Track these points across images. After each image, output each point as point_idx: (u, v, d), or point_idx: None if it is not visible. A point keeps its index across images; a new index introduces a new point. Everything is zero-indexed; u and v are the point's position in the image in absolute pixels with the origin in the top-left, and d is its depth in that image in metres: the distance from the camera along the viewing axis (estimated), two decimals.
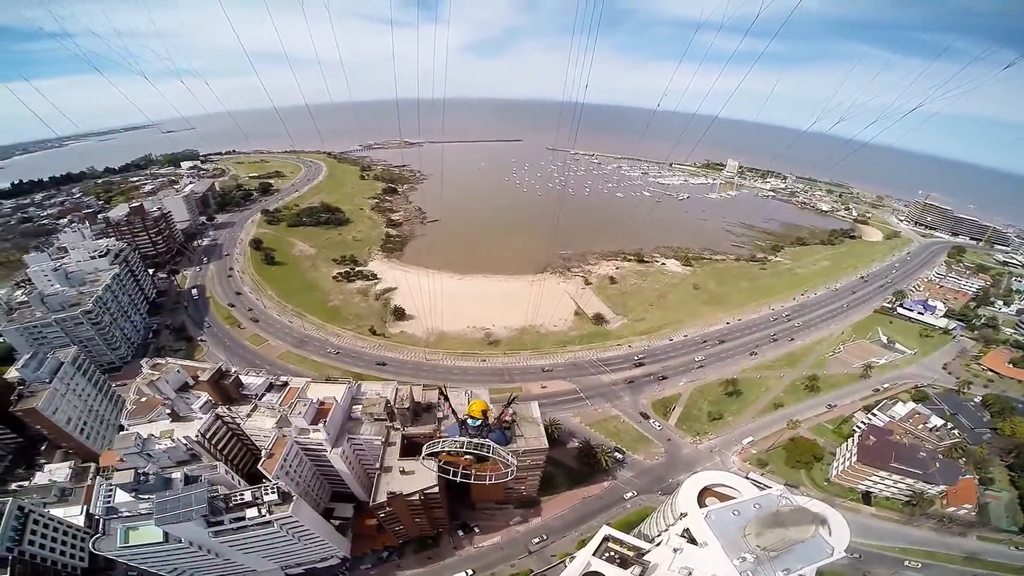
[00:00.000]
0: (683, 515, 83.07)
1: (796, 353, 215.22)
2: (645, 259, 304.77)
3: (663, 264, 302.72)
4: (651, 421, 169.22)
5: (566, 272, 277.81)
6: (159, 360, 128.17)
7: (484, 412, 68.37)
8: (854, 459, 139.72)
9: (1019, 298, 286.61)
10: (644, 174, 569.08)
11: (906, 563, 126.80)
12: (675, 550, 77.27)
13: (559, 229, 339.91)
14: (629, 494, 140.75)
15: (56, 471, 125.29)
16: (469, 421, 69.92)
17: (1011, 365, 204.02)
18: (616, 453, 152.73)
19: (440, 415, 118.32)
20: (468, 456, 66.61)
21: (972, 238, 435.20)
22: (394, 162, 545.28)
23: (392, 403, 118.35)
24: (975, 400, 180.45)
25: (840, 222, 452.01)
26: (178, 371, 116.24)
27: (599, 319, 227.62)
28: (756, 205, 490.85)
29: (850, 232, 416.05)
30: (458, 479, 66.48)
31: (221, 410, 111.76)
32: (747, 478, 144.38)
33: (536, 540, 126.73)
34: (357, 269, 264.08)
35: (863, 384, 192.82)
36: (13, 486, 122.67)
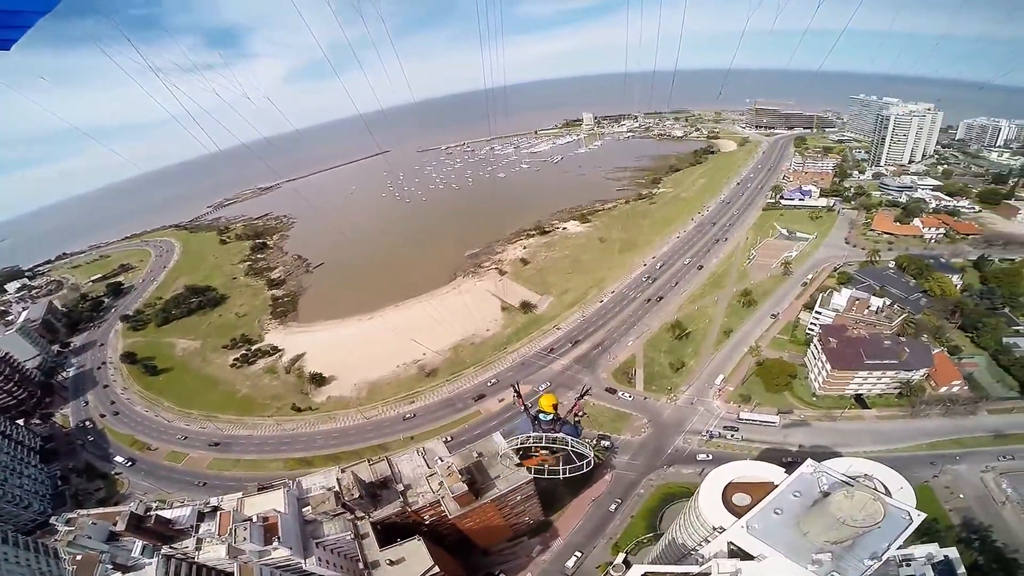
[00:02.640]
0: (718, 529, 66.58)
1: (717, 272, 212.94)
2: (547, 229, 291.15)
3: (565, 229, 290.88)
4: (619, 394, 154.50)
5: (478, 270, 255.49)
6: (70, 515, 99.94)
7: (555, 406, 61.15)
8: (828, 367, 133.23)
9: (868, 164, 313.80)
10: (516, 148, 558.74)
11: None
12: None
13: (456, 227, 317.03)
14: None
15: None
16: (541, 416, 61.75)
17: (898, 223, 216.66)
18: (603, 441, 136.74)
19: (400, 487, 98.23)
20: (544, 451, 59.14)
21: (804, 127, 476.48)
22: (254, 214, 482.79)
23: (341, 495, 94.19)
24: (890, 266, 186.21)
25: (697, 142, 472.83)
26: (93, 523, 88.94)
27: (527, 306, 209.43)
28: (622, 147, 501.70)
29: (709, 148, 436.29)
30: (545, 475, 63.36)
31: (166, 549, 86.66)
32: (740, 419, 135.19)
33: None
34: (254, 348, 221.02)
35: (790, 282, 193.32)
36: None
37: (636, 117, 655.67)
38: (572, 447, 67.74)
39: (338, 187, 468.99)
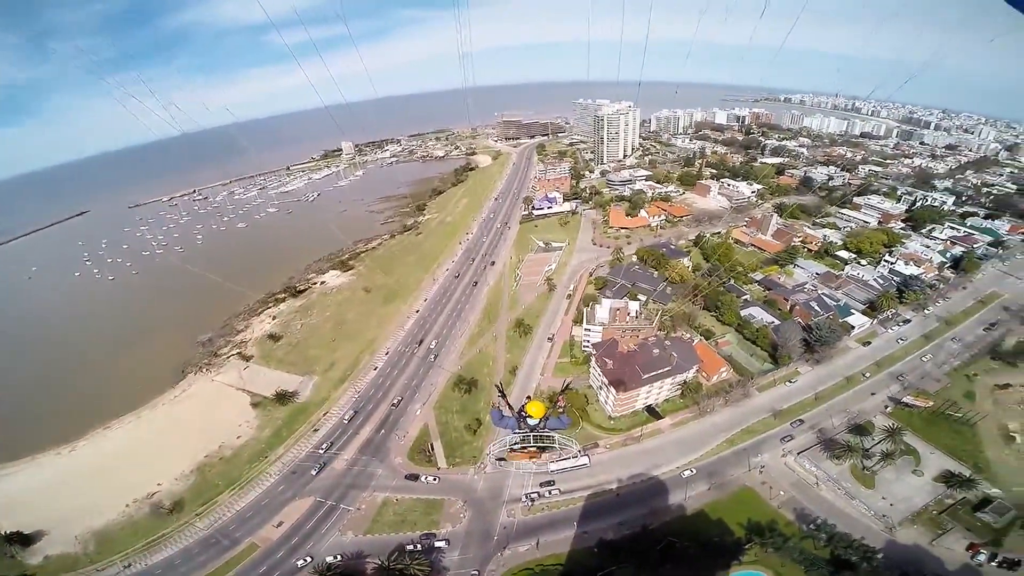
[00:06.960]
0: None
1: (489, 303, 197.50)
2: (301, 288, 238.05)
3: (323, 283, 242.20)
4: (423, 479, 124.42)
5: (215, 359, 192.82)
6: None
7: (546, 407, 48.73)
8: (613, 392, 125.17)
9: (594, 163, 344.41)
10: (263, 190, 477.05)
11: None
12: None
13: (182, 306, 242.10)
14: None
15: None
16: (530, 420, 48.62)
17: (629, 217, 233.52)
18: (426, 541, 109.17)
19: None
20: (532, 449, 45.84)
21: (542, 135, 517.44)
22: None
23: None
24: (634, 261, 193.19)
25: (458, 160, 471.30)
26: None
27: (284, 397, 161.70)
28: (386, 174, 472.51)
29: (469, 166, 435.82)
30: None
31: None
32: (552, 471, 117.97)
33: None
34: None
35: (556, 298, 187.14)
36: None
37: (399, 141, 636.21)
38: (559, 444, 51.50)
39: (10, 271, 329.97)
